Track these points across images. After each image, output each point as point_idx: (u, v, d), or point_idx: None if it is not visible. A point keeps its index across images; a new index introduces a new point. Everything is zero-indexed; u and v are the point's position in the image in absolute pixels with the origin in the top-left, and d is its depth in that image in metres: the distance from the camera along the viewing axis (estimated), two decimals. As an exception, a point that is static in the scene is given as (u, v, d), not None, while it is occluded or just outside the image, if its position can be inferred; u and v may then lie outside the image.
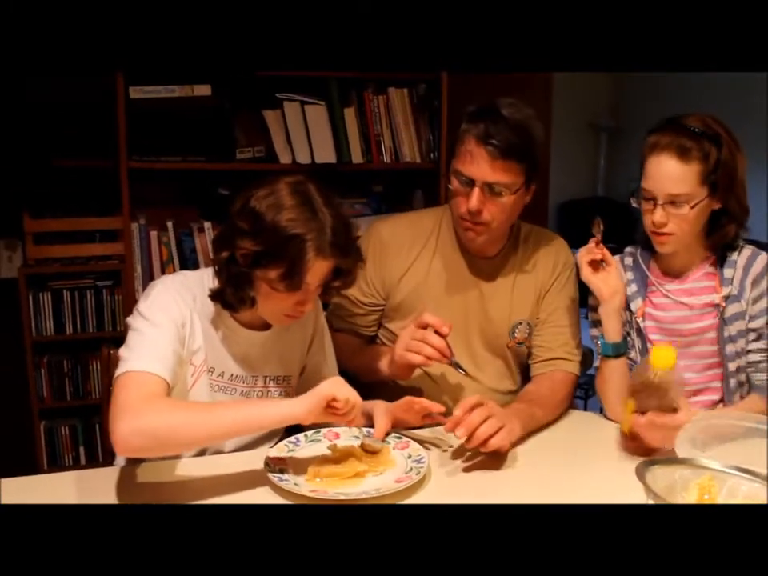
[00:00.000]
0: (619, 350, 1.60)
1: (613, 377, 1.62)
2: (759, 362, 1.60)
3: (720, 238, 1.60)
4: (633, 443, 1.47)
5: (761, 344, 1.60)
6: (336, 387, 1.28)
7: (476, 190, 1.55)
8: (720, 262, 1.62)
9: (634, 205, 1.58)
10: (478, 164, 1.54)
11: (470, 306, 1.72)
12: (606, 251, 1.58)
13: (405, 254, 1.73)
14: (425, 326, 1.52)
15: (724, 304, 1.59)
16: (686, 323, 1.62)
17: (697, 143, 1.50)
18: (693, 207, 1.51)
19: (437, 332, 1.51)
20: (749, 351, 1.61)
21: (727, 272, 1.61)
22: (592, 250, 1.57)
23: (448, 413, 1.44)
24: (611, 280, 1.58)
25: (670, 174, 1.51)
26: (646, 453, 1.42)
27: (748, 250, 1.62)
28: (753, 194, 1.62)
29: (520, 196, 1.60)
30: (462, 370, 1.56)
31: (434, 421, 1.50)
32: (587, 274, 1.59)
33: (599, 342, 1.63)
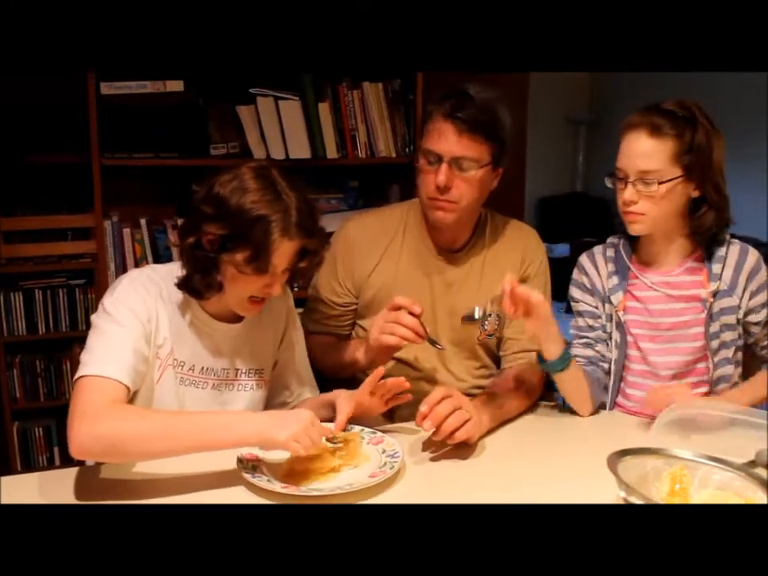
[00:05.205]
0: (565, 362, 1.56)
1: (569, 384, 1.62)
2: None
3: (699, 226, 1.59)
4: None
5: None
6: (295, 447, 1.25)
7: (444, 166, 1.56)
8: (707, 256, 1.61)
9: (609, 185, 1.59)
10: (446, 138, 1.56)
11: (437, 299, 1.73)
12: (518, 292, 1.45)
13: (373, 250, 1.74)
14: (397, 309, 1.53)
15: (712, 299, 1.59)
16: (670, 316, 1.62)
17: (670, 121, 1.51)
18: (662, 184, 1.51)
19: (410, 313, 1.52)
20: (755, 342, 1.64)
21: (715, 267, 1.60)
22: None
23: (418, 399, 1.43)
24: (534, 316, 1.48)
25: (640, 150, 1.52)
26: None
27: (737, 246, 1.62)
28: (753, 195, 1.61)
29: (487, 173, 1.61)
30: (439, 345, 1.60)
31: (399, 402, 1.49)
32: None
33: (543, 366, 1.58)
